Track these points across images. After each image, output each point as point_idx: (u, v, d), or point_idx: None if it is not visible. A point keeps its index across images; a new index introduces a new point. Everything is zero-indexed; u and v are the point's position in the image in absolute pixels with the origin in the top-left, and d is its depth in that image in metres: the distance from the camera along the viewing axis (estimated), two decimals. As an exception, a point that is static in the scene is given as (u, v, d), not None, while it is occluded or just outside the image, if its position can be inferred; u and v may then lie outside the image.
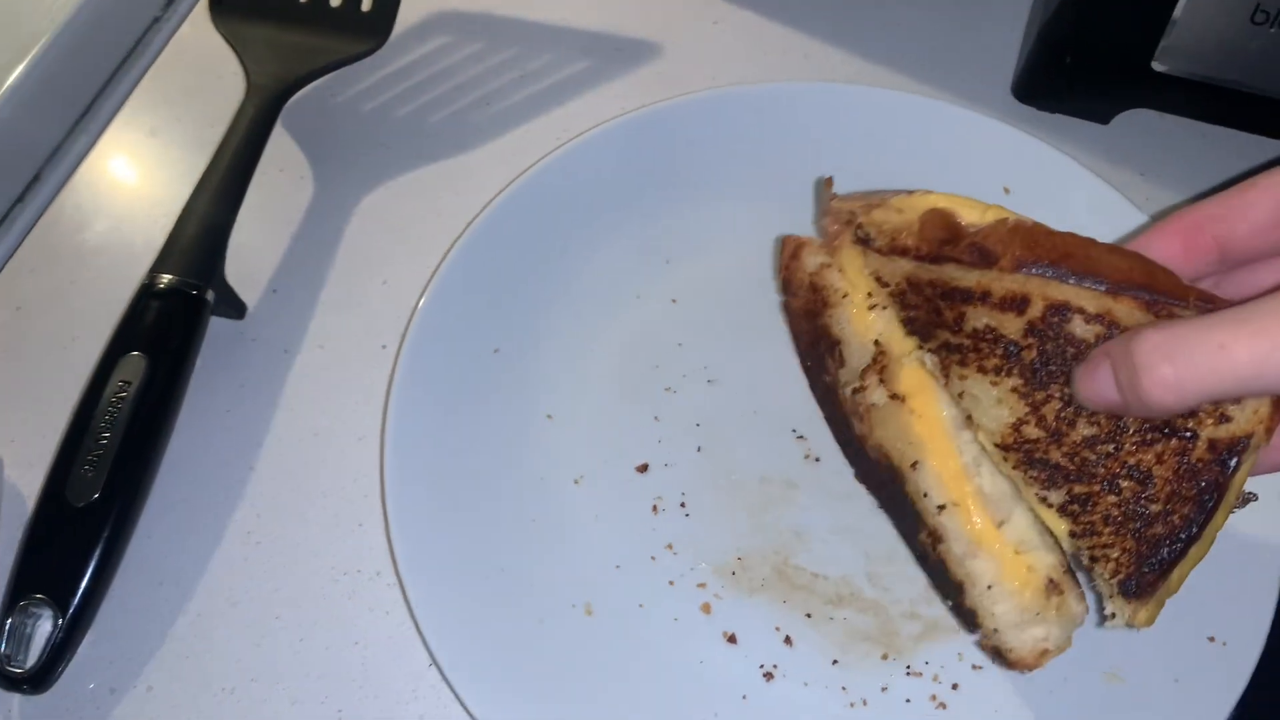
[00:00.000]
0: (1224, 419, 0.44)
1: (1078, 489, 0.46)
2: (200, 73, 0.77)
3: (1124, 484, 0.45)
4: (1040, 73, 0.75)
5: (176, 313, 0.61)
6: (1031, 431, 0.47)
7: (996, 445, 0.48)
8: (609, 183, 0.69)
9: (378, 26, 0.72)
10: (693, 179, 0.70)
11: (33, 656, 0.53)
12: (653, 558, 0.59)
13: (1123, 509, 0.45)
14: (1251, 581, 0.57)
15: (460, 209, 0.70)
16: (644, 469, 0.61)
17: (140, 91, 0.77)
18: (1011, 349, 0.47)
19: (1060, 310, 0.46)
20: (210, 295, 0.63)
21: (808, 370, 0.61)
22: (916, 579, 0.58)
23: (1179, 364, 0.40)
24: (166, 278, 0.62)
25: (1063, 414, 0.46)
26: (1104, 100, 0.75)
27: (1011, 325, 0.47)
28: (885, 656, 0.56)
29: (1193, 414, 0.44)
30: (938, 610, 0.57)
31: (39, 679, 0.53)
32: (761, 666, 0.56)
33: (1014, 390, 0.47)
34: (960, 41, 0.80)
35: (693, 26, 0.81)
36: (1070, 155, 0.69)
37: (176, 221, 0.64)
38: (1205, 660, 0.55)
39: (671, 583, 0.58)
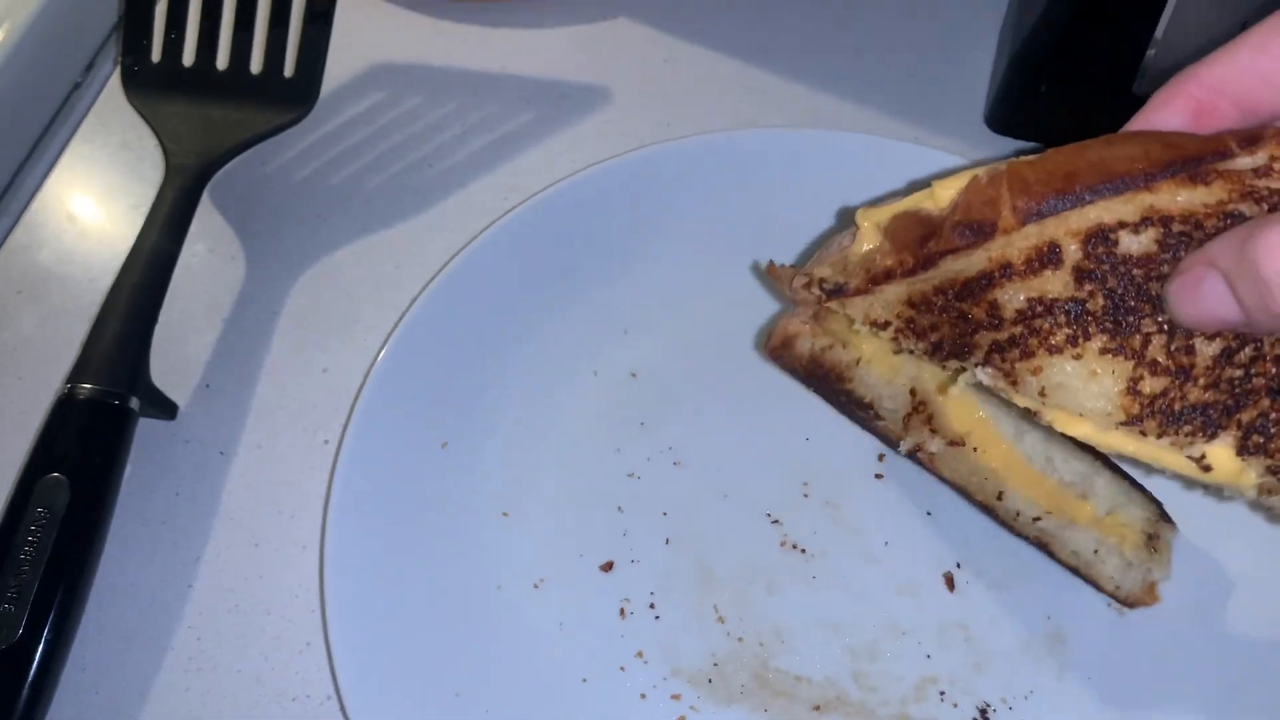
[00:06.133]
0: None
1: (1246, 416, 0.39)
2: (121, 148, 0.72)
3: None
4: (1014, 101, 0.70)
5: (98, 427, 0.57)
6: (1152, 385, 0.39)
7: (1120, 425, 0.40)
8: (559, 250, 0.64)
9: (303, 92, 0.67)
10: (650, 239, 0.66)
11: (-46, 822, 0.50)
12: (622, 668, 0.54)
13: None
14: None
15: (403, 284, 0.66)
16: (609, 567, 0.57)
17: (59, 172, 0.72)
18: (1072, 309, 0.40)
19: (1100, 236, 0.39)
20: (135, 403, 0.58)
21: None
22: (903, 677, 0.54)
23: None
24: (86, 388, 0.57)
25: (1174, 347, 0.39)
26: (1084, 127, 0.70)
27: (1056, 283, 0.40)
28: (875, 766, 0.52)
29: None
30: (930, 710, 0.53)
31: (-38, 847, 0.50)
32: (743, 785, 0.52)
33: (1103, 352, 0.40)
34: (928, 70, 0.76)
35: (642, 66, 0.76)
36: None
37: (93, 324, 0.59)
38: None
39: (644, 695, 0.54)
